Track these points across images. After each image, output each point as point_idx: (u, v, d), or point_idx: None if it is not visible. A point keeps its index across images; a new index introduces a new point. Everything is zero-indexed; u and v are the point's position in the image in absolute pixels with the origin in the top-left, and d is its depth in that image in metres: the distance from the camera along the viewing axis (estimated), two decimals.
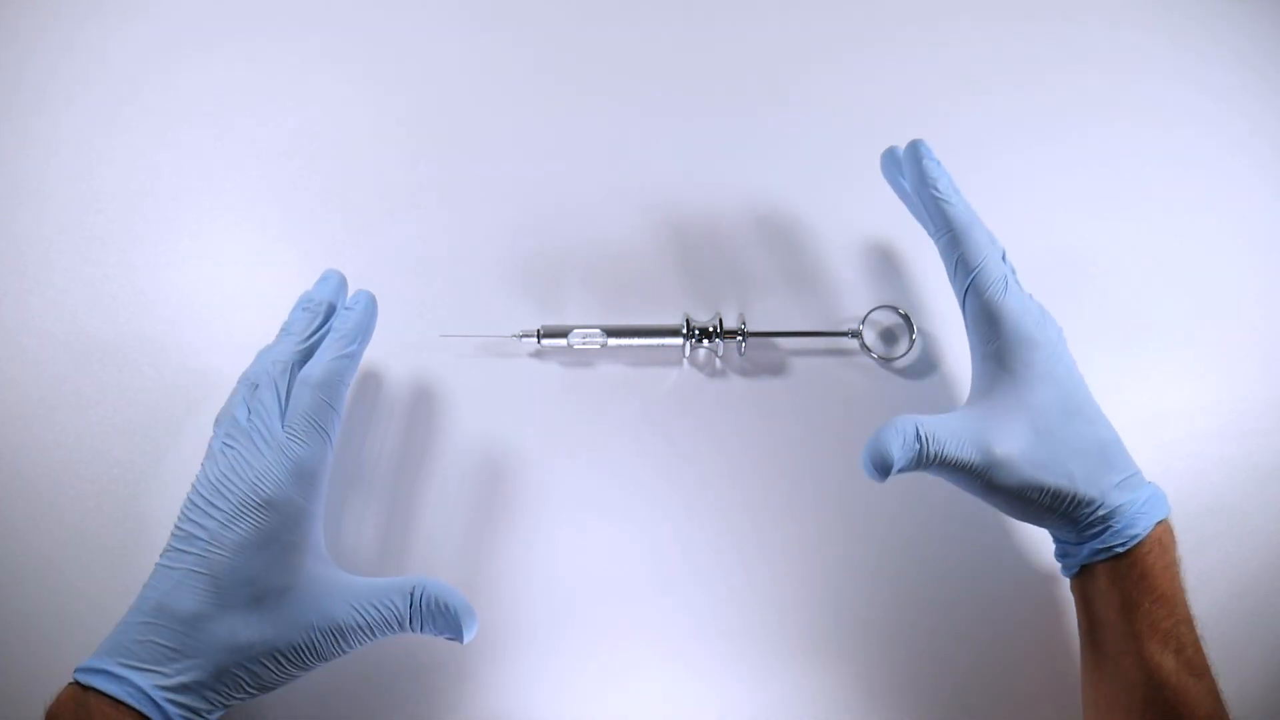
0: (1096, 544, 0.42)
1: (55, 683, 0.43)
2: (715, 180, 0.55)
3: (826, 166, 0.55)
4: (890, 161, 0.49)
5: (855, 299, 0.53)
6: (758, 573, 0.50)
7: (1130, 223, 0.55)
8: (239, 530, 0.39)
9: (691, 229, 0.54)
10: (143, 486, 0.49)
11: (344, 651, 0.40)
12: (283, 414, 0.42)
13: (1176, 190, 0.56)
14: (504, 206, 0.54)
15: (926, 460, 0.41)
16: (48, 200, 0.53)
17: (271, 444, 0.40)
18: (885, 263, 0.54)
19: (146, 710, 0.37)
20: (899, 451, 0.41)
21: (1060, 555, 0.45)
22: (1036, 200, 0.55)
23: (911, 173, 0.46)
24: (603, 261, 0.54)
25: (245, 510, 0.39)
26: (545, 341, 0.51)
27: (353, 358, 0.44)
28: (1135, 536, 0.42)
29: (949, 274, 0.46)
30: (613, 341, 0.51)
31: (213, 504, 0.39)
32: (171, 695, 0.37)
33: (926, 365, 0.53)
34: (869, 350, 0.52)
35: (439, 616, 0.41)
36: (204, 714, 0.38)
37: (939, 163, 0.46)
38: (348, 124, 0.55)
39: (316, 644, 0.39)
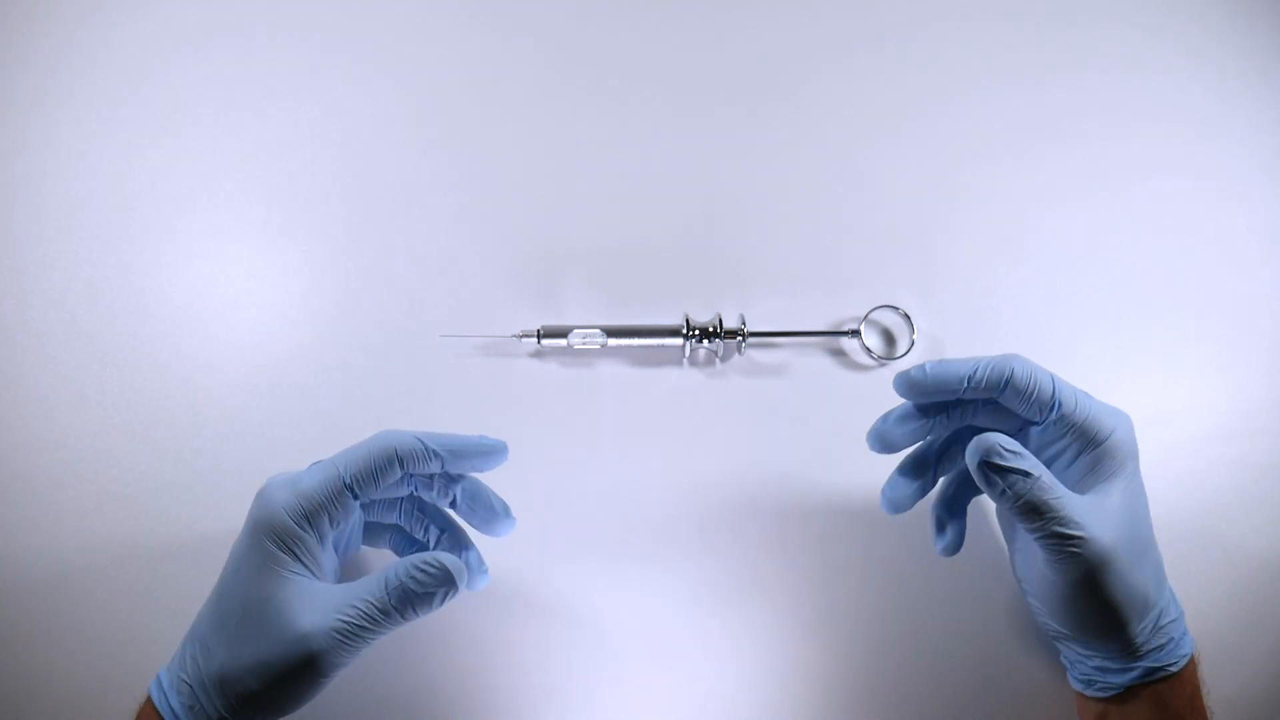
0: (1149, 661, 0.40)
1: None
2: (715, 180, 0.55)
3: (827, 166, 0.55)
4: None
5: (855, 299, 0.53)
6: (758, 572, 0.50)
7: (1131, 223, 0.55)
8: None
9: (691, 229, 0.54)
10: (143, 486, 0.49)
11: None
12: None
13: (1179, 191, 0.55)
14: (504, 206, 0.54)
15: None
16: (46, 200, 0.53)
17: None
18: (885, 262, 0.54)
19: None
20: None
21: (1090, 677, 0.42)
22: (1038, 201, 0.55)
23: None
24: (603, 261, 0.53)
25: None
26: (545, 341, 0.51)
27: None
28: (1185, 656, 0.40)
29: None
30: (613, 341, 0.51)
31: None
32: None
33: None
34: (869, 350, 0.52)
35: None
36: None
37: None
38: (349, 124, 0.55)
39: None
